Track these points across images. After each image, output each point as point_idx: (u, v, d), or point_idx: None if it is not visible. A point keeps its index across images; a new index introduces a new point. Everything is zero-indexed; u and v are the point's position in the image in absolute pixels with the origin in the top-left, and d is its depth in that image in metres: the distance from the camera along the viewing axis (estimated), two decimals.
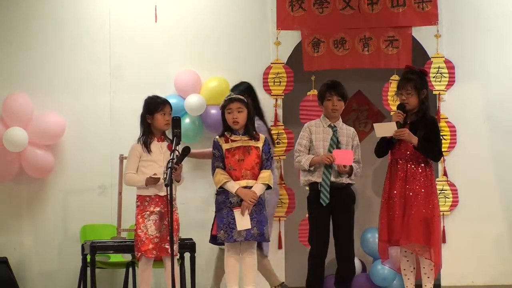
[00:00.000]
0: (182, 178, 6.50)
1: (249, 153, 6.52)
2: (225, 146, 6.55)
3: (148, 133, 6.60)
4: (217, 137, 6.64)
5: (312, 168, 6.79)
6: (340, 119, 6.93)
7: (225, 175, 6.48)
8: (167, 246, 6.34)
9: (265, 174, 6.52)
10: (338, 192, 6.75)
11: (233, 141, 6.56)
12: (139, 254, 6.43)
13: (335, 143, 6.80)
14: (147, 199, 6.50)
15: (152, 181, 6.43)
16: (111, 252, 7.39)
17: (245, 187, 6.46)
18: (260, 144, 6.56)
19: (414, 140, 6.47)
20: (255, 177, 6.50)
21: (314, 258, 6.79)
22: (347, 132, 6.89)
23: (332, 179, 6.75)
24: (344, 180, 6.78)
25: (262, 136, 6.63)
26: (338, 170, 6.73)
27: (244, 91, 7.11)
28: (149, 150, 6.53)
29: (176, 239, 6.41)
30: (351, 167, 6.75)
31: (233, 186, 6.45)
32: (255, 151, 6.53)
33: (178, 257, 6.86)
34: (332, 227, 6.81)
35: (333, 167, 6.74)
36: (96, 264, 7.31)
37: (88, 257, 7.08)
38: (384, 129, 6.58)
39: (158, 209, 6.48)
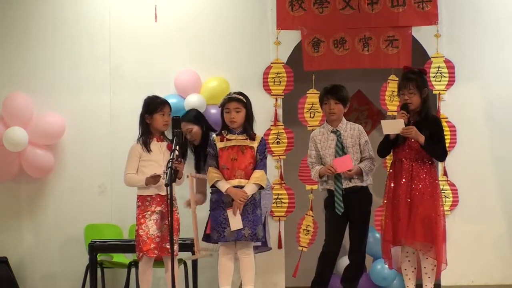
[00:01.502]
0: (184, 176, 6.49)
1: (243, 152, 6.51)
2: (219, 145, 6.54)
3: (147, 133, 6.58)
4: (214, 135, 6.64)
5: (325, 178, 6.77)
6: (343, 120, 6.84)
7: (217, 174, 6.48)
8: (168, 246, 6.33)
9: (258, 174, 6.49)
10: (354, 195, 6.70)
11: (228, 140, 6.55)
12: (141, 254, 6.41)
13: (340, 149, 6.73)
14: (147, 199, 6.49)
15: (151, 181, 6.42)
16: (113, 252, 7.40)
17: (237, 186, 6.46)
18: (255, 144, 6.54)
19: (421, 138, 6.44)
20: (248, 177, 6.48)
21: (326, 258, 6.75)
22: (351, 132, 6.81)
23: (345, 185, 6.70)
24: (358, 183, 6.72)
25: (258, 136, 6.62)
26: (346, 175, 6.69)
27: (193, 118, 7.16)
28: (149, 150, 6.52)
29: (176, 239, 6.41)
30: (359, 168, 6.71)
31: (223, 186, 6.44)
32: (249, 151, 6.51)
33: (178, 256, 6.84)
34: (348, 227, 6.80)
35: (341, 174, 6.71)
36: (104, 264, 7.38)
37: (99, 256, 7.11)
38: (391, 126, 6.50)
39: (159, 208, 6.47)
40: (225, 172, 6.49)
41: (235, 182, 6.45)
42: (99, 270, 7.40)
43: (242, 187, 6.43)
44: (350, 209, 6.70)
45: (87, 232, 7.76)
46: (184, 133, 7.03)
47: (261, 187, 6.51)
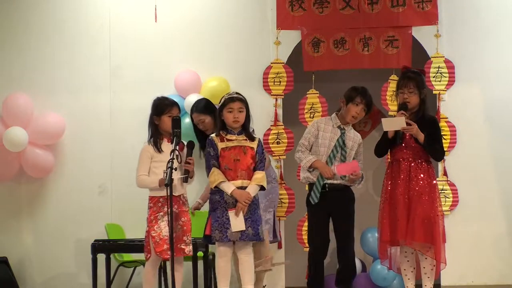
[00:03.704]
0: (194, 174, 6.46)
1: (244, 153, 6.50)
2: (220, 145, 6.52)
3: (157, 134, 6.51)
4: (212, 135, 6.61)
5: (311, 169, 6.75)
6: (350, 125, 6.84)
7: (221, 175, 6.45)
8: (183, 247, 6.31)
9: (260, 176, 6.48)
10: (335, 193, 6.70)
11: (228, 140, 6.53)
12: (149, 255, 6.37)
13: (340, 145, 6.72)
14: (160, 200, 6.37)
15: (164, 183, 6.34)
16: (115, 252, 7.39)
17: (240, 187, 6.45)
18: (254, 145, 6.55)
19: (421, 136, 6.44)
20: (250, 177, 6.48)
21: (313, 257, 6.77)
22: (354, 137, 6.81)
23: (330, 181, 6.68)
24: (341, 181, 6.72)
25: (256, 137, 6.63)
26: (349, 179, 6.65)
27: (204, 108, 7.16)
28: (160, 151, 6.44)
29: (189, 240, 6.40)
30: (361, 174, 6.69)
31: (228, 187, 6.41)
32: (250, 151, 6.51)
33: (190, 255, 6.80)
34: (332, 228, 6.80)
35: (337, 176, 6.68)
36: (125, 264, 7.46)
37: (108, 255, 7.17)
38: (393, 124, 6.49)
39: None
40: (228, 173, 6.47)
41: (239, 182, 6.44)
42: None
43: (244, 187, 6.44)
44: (332, 207, 6.69)
45: (109, 231, 7.70)
46: (197, 123, 7.09)
47: (261, 188, 6.53)
